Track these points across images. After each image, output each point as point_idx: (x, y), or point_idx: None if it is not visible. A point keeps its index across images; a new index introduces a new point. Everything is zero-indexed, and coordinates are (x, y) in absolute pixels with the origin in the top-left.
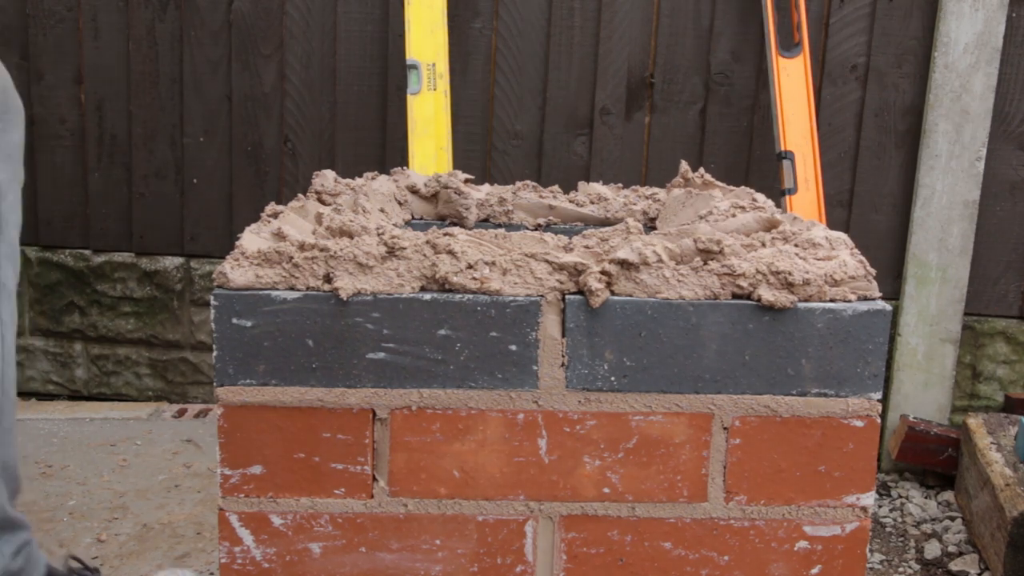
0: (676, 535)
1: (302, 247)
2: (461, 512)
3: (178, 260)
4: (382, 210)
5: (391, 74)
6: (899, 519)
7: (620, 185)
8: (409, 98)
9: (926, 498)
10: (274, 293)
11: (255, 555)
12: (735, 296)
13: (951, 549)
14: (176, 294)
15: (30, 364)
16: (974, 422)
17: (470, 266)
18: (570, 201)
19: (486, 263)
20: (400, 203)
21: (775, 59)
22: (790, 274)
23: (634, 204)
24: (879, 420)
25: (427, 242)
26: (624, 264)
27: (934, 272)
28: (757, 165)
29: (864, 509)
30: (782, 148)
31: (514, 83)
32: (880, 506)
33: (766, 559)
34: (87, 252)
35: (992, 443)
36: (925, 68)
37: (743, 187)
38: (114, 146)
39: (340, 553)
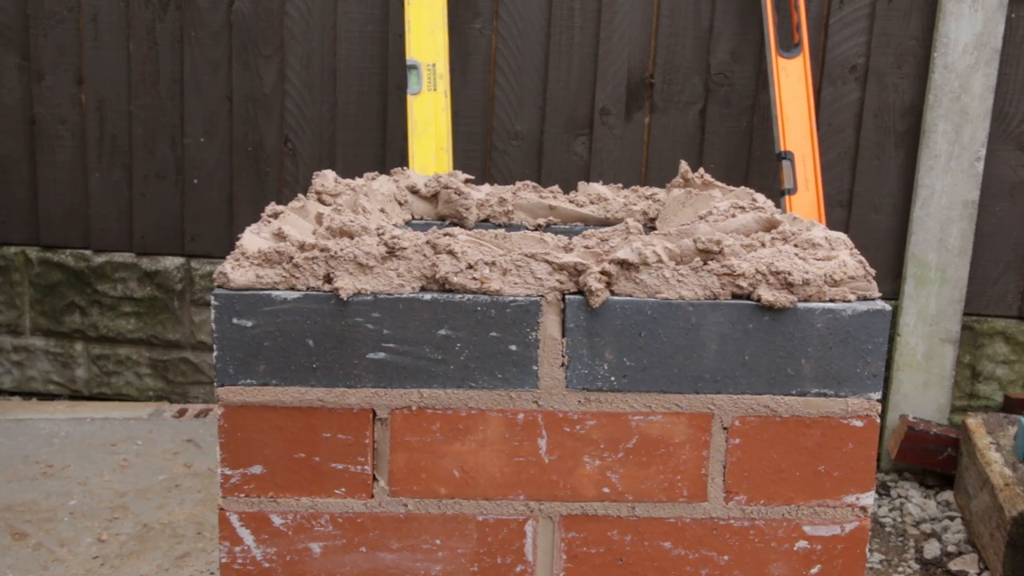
0: (676, 535)
1: (302, 247)
2: (461, 512)
3: (178, 260)
4: (382, 210)
5: (391, 74)
6: (899, 519)
7: (620, 185)
8: (409, 98)
9: (925, 498)
10: (274, 293)
11: (255, 555)
12: (735, 296)
13: (950, 549)
14: (176, 294)
15: (30, 364)
16: (973, 422)
17: (470, 266)
18: (570, 201)
19: (486, 263)
20: (400, 203)
21: (775, 59)
22: (790, 274)
23: (634, 204)
24: (879, 420)
25: (427, 242)
26: (624, 264)
27: (934, 272)
28: (757, 165)
29: (864, 509)
30: (782, 148)
31: (514, 83)
32: (880, 506)
33: (766, 559)
34: (88, 252)
35: (991, 443)
36: (925, 68)
37: (743, 187)
38: (114, 146)
39: (340, 553)
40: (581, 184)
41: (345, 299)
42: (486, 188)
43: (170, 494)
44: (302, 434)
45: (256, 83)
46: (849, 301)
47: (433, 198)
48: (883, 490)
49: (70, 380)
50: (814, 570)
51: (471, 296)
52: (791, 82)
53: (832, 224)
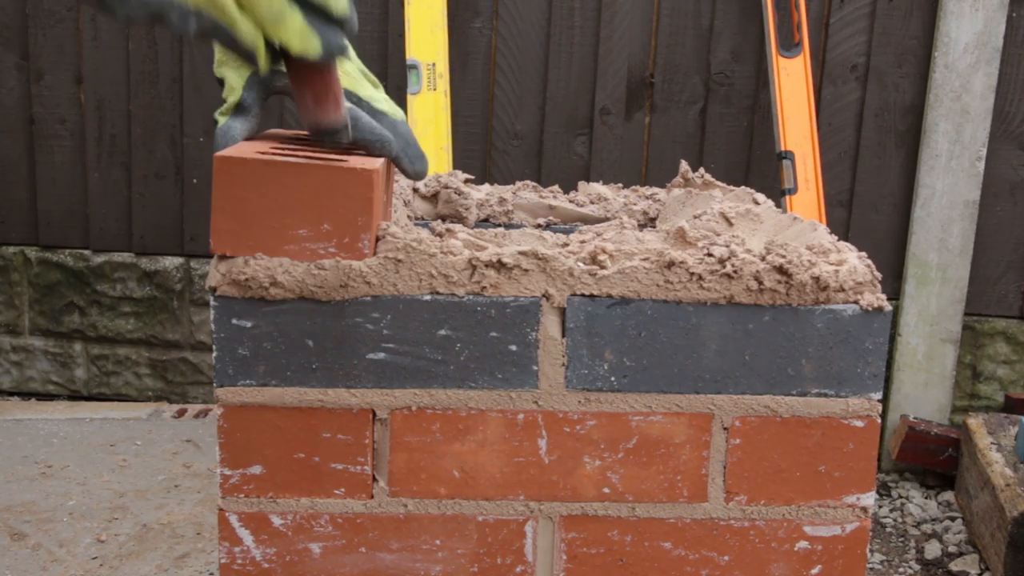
0: (676, 535)
1: None
2: (461, 512)
3: (178, 260)
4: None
5: (391, 74)
6: (899, 519)
7: (620, 185)
8: (409, 98)
9: (926, 498)
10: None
11: (255, 555)
12: (735, 296)
13: (951, 549)
14: (176, 294)
15: (30, 364)
16: (974, 422)
17: (472, 265)
18: (570, 201)
19: (487, 263)
20: (404, 203)
21: (775, 59)
22: (791, 276)
23: (634, 204)
24: (879, 420)
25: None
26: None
27: (934, 272)
28: (757, 165)
29: (864, 509)
30: (782, 148)
31: (514, 83)
32: (880, 506)
33: (766, 559)
34: (87, 252)
35: (992, 443)
36: (925, 68)
37: (743, 187)
38: (114, 146)
39: (340, 553)
40: (581, 184)
41: (345, 299)
42: (486, 188)
43: (169, 494)
44: (302, 434)
45: None
46: (850, 302)
47: (433, 198)
48: (884, 490)
49: (69, 380)
50: (815, 570)
51: (471, 296)
52: (791, 81)
53: (833, 224)
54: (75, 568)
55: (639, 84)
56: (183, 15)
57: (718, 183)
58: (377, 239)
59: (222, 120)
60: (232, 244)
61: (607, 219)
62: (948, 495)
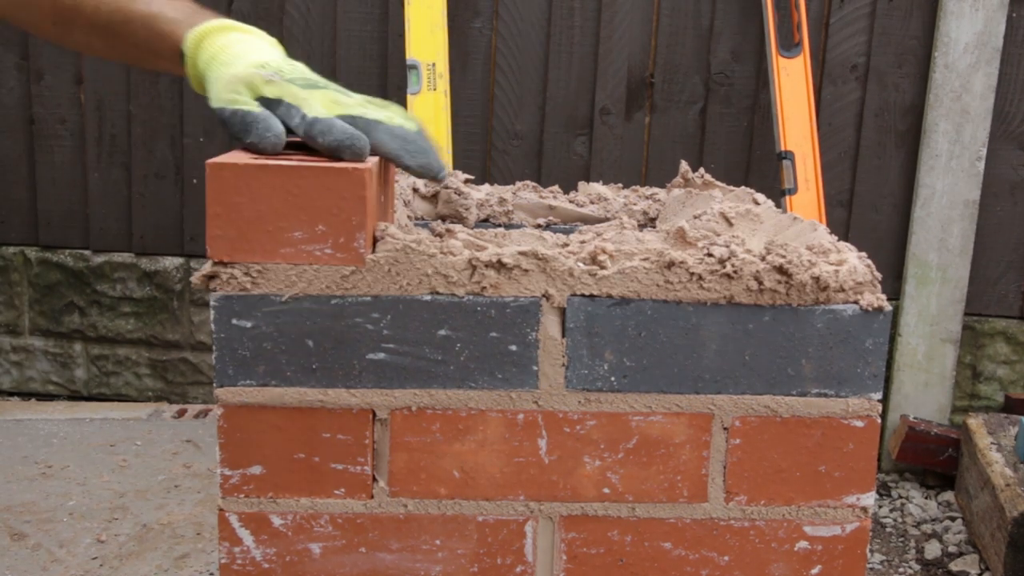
0: (676, 535)
1: None
2: (461, 512)
3: (178, 260)
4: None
5: (391, 74)
6: (899, 519)
7: (620, 185)
8: (409, 98)
9: (926, 498)
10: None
11: (255, 555)
12: (735, 296)
13: (951, 549)
14: (176, 294)
15: (30, 364)
16: (974, 422)
17: (472, 265)
18: (570, 201)
19: (487, 263)
20: (405, 203)
21: (775, 59)
22: (791, 276)
23: (634, 204)
24: (879, 420)
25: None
26: (620, 261)
27: (934, 272)
28: (757, 165)
29: (864, 509)
30: (782, 148)
31: (514, 83)
32: (880, 506)
33: (766, 559)
34: (87, 252)
35: (992, 443)
36: (925, 68)
37: (743, 187)
38: (114, 146)
39: (340, 553)
40: (581, 184)
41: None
42: (486, 188)
43: (169, 494)
44: (302, 434)
45: None
46: (850, 302)
47: (433, 198)
48: (884, 490)
49: (69, 380)
50: (815, 570)
51: (471, 296)
52: (791, 81)
53: (833, 224)
54: (75, 568)
55: (639, 84)
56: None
57: (718, 183)
58: (376, 239)
59: (255, 108)
60: (228, 250)
61: (607, 219)
62: (948, 495)
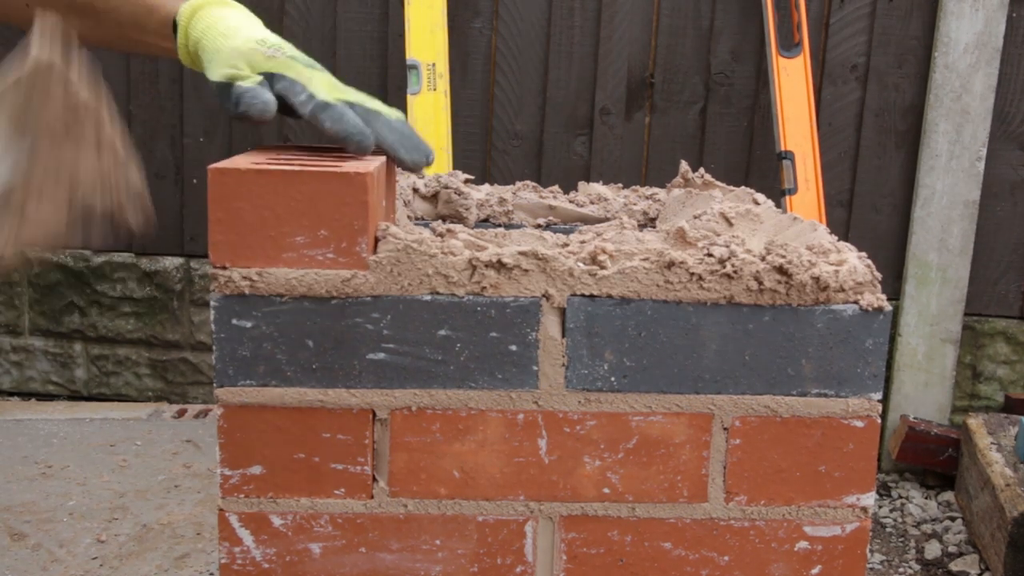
0: (676, 535)
1: None
2: (461, 512)
3: (178, 260)
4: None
5: (391, 74)
6: (899, 519)
7: (620, 185)
8: (409, 98)
9: (926, 498)
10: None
11: (255, 555)
12: (735, 296)
13: (951, 549)
14: (176, 294)
15: (30, 364)
16: (974, 422)
17: (472, 265)
18: (570, 201)
19: (487, 263)
20: (405, 203)
21: (775, 59)
22: (791, 276)
23: (634, 204)
24: (879, 420)
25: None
26: (620, 261)
27: (934, 272)
28: (757, 165)
29: (864, 509)
30: (782, 148)
31: (514, 83)
32: (880, 506)
33: (766, 559)
34: (87, 252)
35: (992, 443)
36: (925, 68)
37: (743, 187)
38: None
39: (340, 553)
40: (581, 184)
41: (345, 299)
42: (486, 188)
43: (169, 494)
44: (302, 434)
45: None
46: (850, 302)
47: (433, 198)
48: (884, 490)
49: (69, 380)
50: (815, 571)
51: (471, 296)
52: (791, 81)
53: (833, 224)
54: (75, 568)
55: (639, 84)
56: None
57: (718, 183)
58: (377, 240)
59: (251, 82)
60: (230, 256)
61: (607, 219)
62: (948, 495)
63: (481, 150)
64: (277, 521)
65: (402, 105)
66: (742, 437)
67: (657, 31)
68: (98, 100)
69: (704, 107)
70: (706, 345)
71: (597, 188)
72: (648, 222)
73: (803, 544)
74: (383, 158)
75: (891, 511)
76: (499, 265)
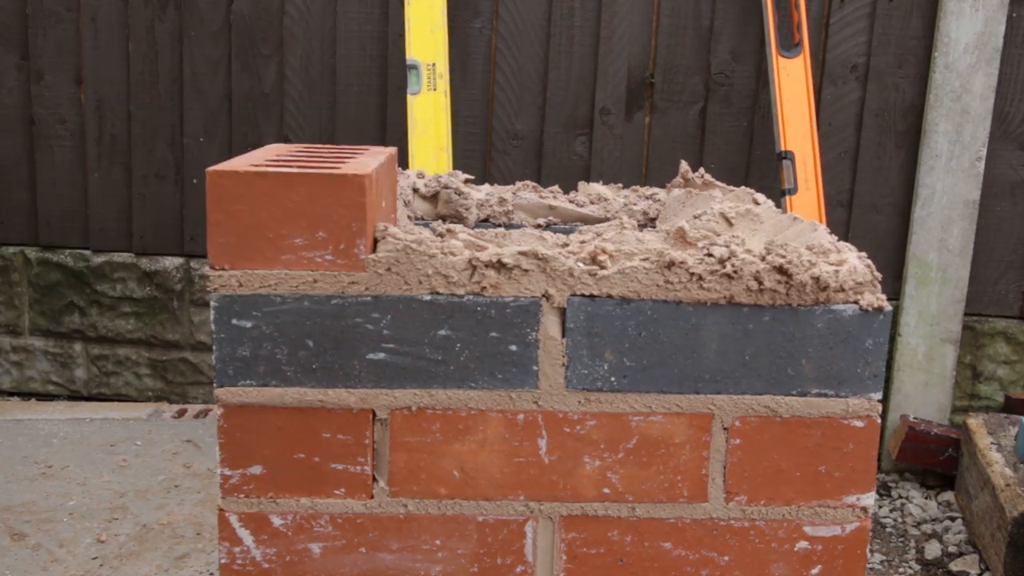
0: (676, 535)
1: None
2: (461, 512)
3: (178, 260)
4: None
5: (391, 74)
6: (899, 519)
7: (620, 185)
8: (409, 98)
9: (926, 498)
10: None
11: (255, 555)
12: (735, 296)
13: (951, 549)
14: (176, 294)
15: (30, 364)
16: (974, 422)
17: (472, 265)
18: (570, 201)
19: (487, 263)
20: (405, 203)
21: (775, 59)
22: (791, 276)
23: (634, 204)
24: (879, 420)
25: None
26: (620, 261)
27: (934, 272)
28: (757, 165)
29: (864, 509)
30: (782, 148)
31: (514, 83)
32: (880, 506)
33: (766, 559)
34: (87, 252)
35: (992, 443)
36: (925, 68)
37: (743, 187)
38: (114, 146)
39: (340, 553)
40: (581, 184)
41: (345, 299)
42: (486, 188)
43: (169, 494)
44: (302, 434)
45: (255, 83)
46: (850, 302)
47: (433, 198)
48: (884, 490)
49: (69, 380)
50: (815, 570)
51: (471, 296)
52: (791, 81)
53: (833, 224)
54: (75, 568)
55: (639, 84)
56: None
57: (718, 183)
58: (377, 240)
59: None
60: (230, 257)
61: (607, 219)
62: (948, 495)
63: (481, 150)
64: (277, 521)
65: (402, 105)
66: (742, 437)
67: (657, 31)
68: None
69: (704, 107)
70: (706, 345)
71: (597, 188)
72: (648, 222)
73: (803, 544)
74: (383, 158)
75: (891, 511)
76: (499, 265)
